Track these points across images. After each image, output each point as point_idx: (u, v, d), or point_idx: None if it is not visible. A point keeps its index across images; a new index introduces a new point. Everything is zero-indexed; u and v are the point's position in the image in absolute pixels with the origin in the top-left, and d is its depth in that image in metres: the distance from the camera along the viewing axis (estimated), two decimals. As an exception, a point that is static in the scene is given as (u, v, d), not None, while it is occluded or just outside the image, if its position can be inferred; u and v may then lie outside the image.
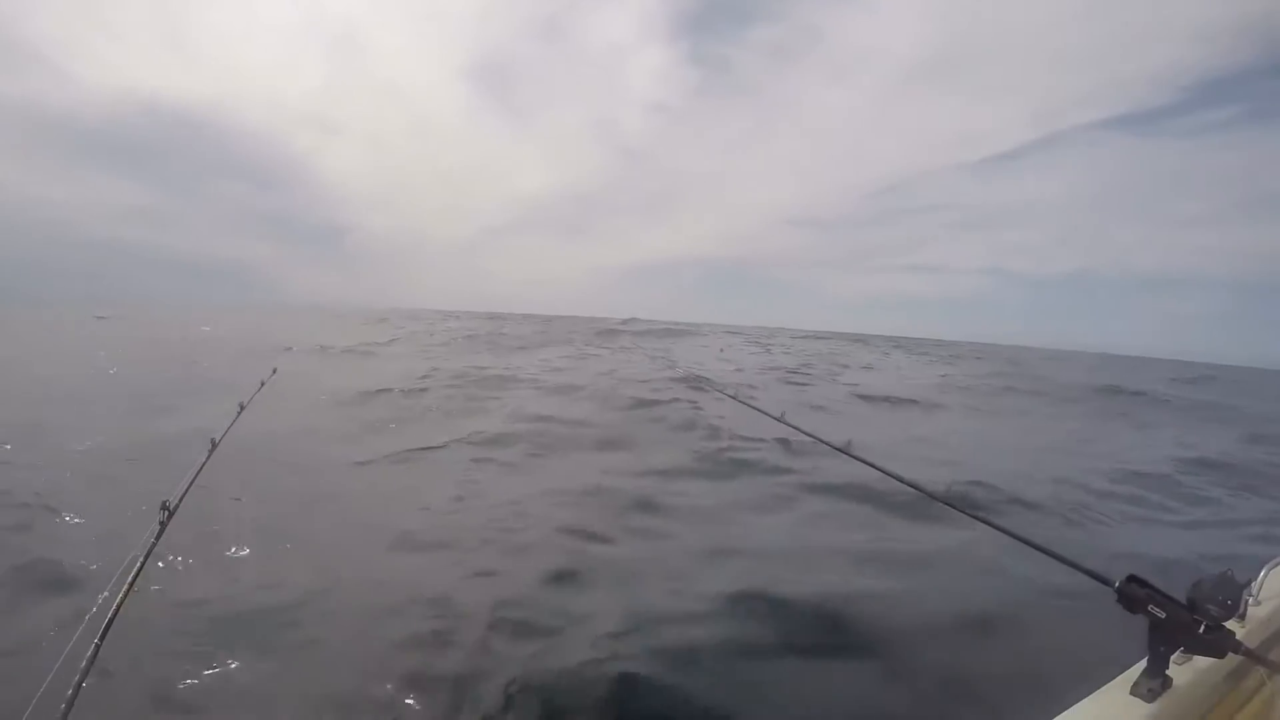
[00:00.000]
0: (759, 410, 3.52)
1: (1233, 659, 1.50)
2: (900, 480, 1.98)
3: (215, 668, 3.56)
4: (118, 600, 1.56)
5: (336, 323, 39.83)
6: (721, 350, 28.88)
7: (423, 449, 7.75)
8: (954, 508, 1.82)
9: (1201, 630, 1.43)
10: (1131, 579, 1.45)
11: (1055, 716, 1.41)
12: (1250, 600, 2.02)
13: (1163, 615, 1.43)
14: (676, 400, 11.55)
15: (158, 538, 1.89)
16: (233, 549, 5.65)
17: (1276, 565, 2.29)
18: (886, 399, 14.65)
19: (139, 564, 1.73)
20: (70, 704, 1.25)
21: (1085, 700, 1.50)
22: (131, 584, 1.63)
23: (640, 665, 3.18)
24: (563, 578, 4.27)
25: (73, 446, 7.06)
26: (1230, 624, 1.92)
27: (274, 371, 4.58)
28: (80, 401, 9.96)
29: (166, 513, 2.00)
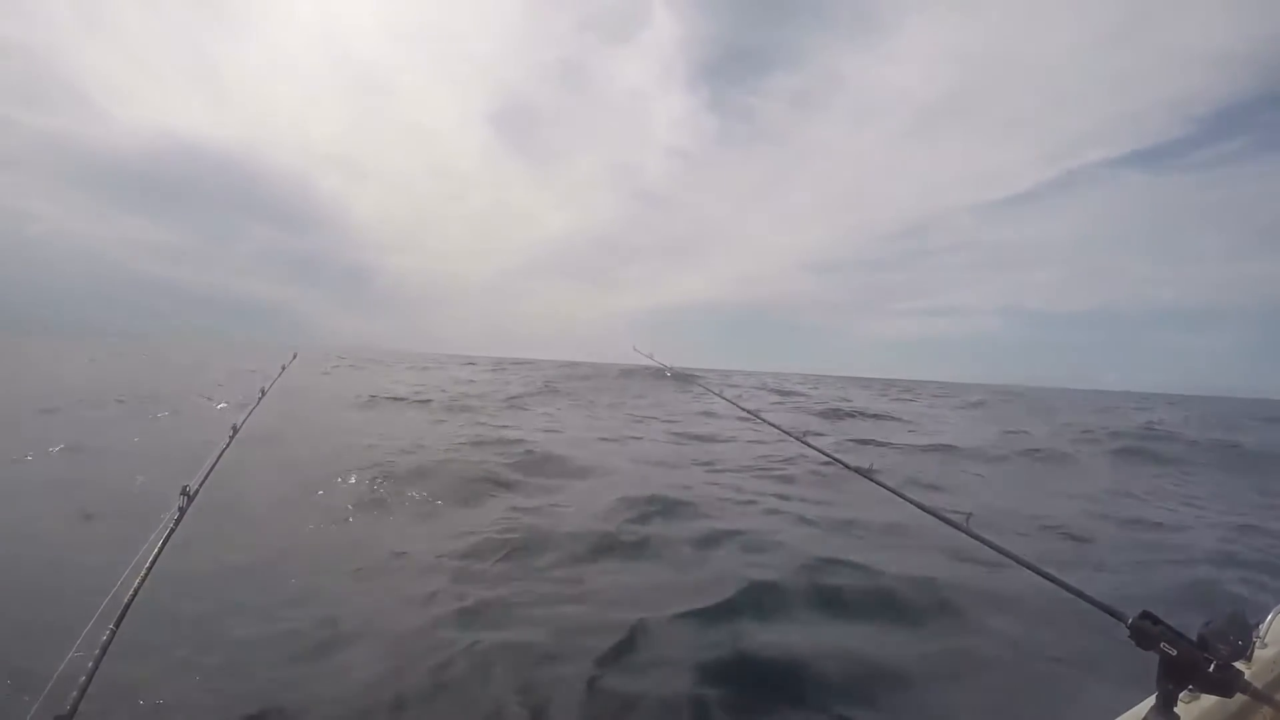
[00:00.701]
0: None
1: (1239, 699, 1.49)
2: (926, 509, 1.97)
3: (228, 659, 3.67)
4: (135, 585, 1.57)
5: (355, 368, 36.70)
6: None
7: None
8: (973, 535, 1.81)
9: (1211, 669, 1.42)
10: (1145, 615, 1.44)
11: None
12: (1258, 642, 2.02)
13: (1174, 653, 1.42)
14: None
15: (176, 523, 1.89)
16: (250, 538, 5.75)
17: None
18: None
19: (156, 549, 1.73)
20: (84, 688, 1.26)
21: None
22: (149, 569, 1.64)
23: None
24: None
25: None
26: (1238, 664, 1.93)
27: (294, 356, 4.57)
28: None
29: (186, 498, 2.00)
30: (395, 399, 18.47)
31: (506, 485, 8.12)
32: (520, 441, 11.11)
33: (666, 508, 7.00)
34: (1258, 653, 1.99)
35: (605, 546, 5.73)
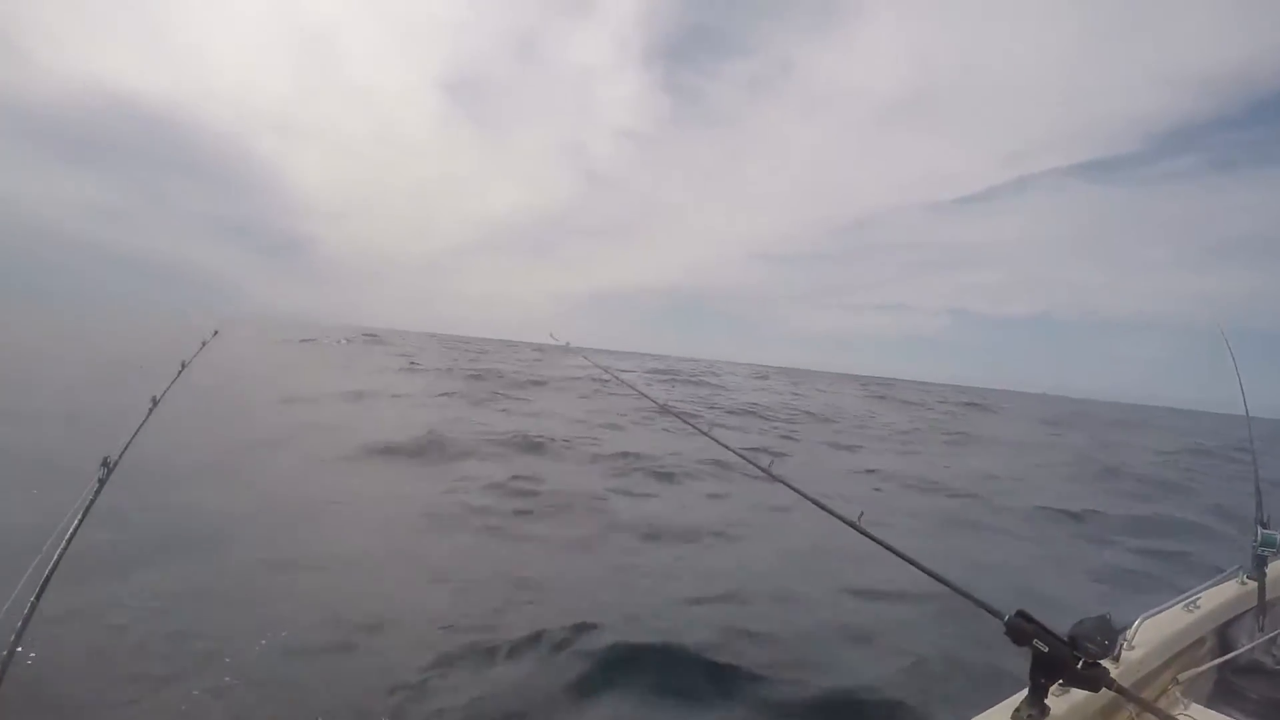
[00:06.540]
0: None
1: (1106, 694, 1.65)
2: (820, 505, 2.08)
3: (151, 630, 3.67)
4: (55, 557, 1.55)
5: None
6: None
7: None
8: (863, 533, 1.94)
9: (1080, 666, 1.58)
10: (1020, 614, 1.59)
11: None
12: (1125, 645, 2.25)
13: (1046, 649, 1.57)
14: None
15: (96, 494, 1.86)
16: (174, 506, 5.68)
17: (1151, 615, 2.56)
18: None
19: (77, 520, 1.71)
20: (6, 661, 1.27)
21: None
22: (69, 541, 1.62)
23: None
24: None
25: None
26: (1105, 663, 2.14)
27: (215, 333, 4.41)
28: None
29: (106, 469, 1.97)
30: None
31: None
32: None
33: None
34: (1125, 654, 2.21)
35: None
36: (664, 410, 3.49)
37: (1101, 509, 9.35)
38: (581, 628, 3.98)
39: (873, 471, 11.28)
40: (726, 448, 2.71)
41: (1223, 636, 3.08)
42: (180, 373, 3.17)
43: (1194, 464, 16.87)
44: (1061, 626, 1.61)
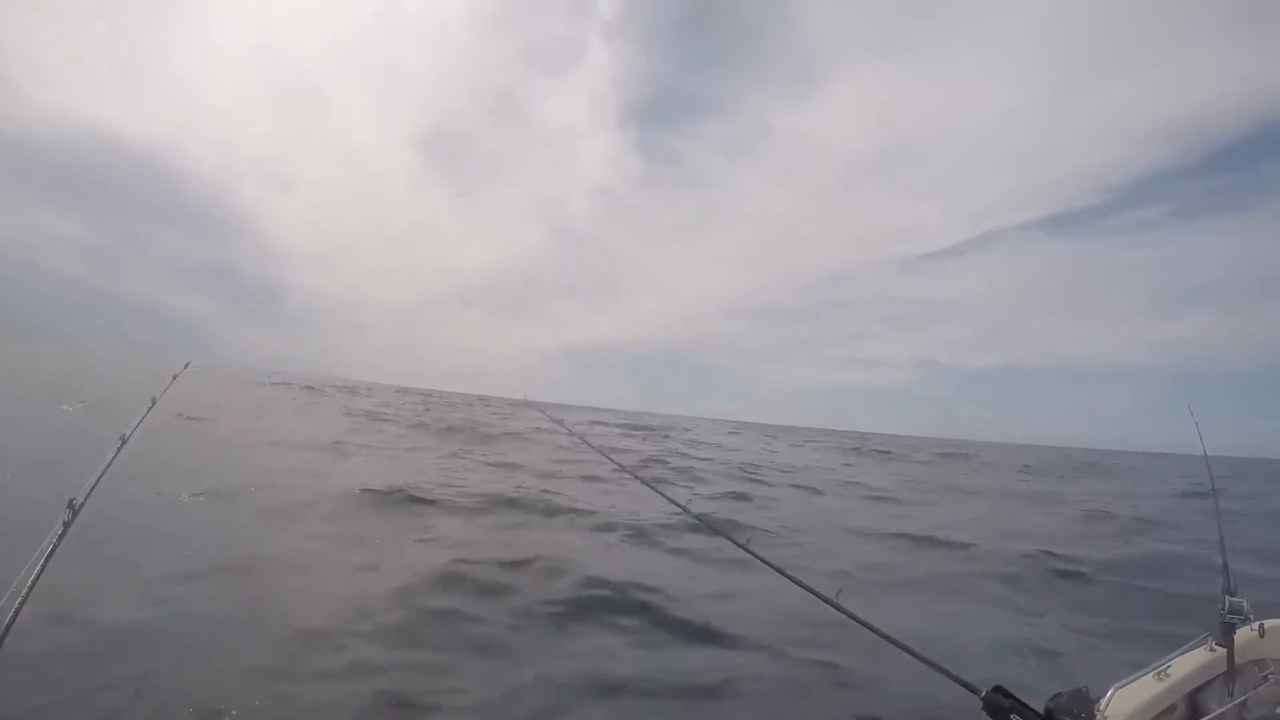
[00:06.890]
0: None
1: None
2: (798, 583, 2.06)
3: (114, 681, 3.54)
4: (16, 604, 1.48)
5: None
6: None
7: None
8: (841, 610, 1.93)
9: None
10: (997, 689, 1.59)
11: None
12: (1100, 715, 2.24)
13: None
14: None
15: (61, 537, 1.79)
16: (141, 550, 5.43)
17: (1123, 685, 2.57)
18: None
19: (40, 565, 1.64)
20: None
21: None
22: (31, 587, 1.55)
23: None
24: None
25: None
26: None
27: (186, 365, 4.21)
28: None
29: (72, 511, 1.90)
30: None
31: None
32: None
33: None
34: None
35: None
36: (637, 477, 3.49)
37: (1090, 553, 9.36)
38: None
39: (853, 525, 11.21)
40: (707, 525, 2.70)
41: (1193, 703, 3.09)
42: (150, 409, 3.08)
43: (1175, 504, 17.02)
44: (1040, 697, 1.61)
